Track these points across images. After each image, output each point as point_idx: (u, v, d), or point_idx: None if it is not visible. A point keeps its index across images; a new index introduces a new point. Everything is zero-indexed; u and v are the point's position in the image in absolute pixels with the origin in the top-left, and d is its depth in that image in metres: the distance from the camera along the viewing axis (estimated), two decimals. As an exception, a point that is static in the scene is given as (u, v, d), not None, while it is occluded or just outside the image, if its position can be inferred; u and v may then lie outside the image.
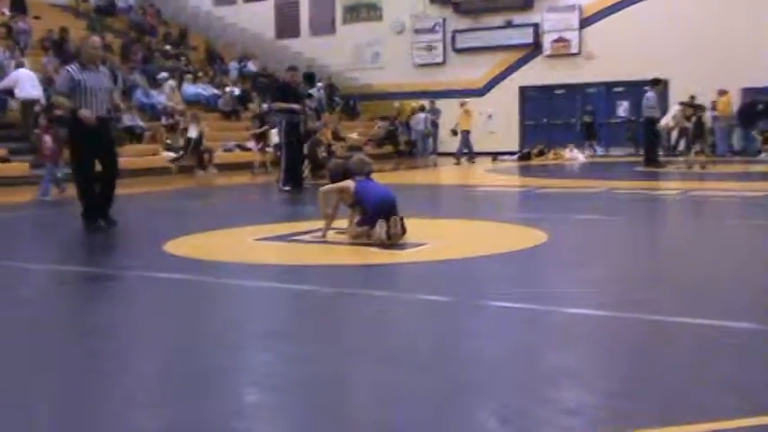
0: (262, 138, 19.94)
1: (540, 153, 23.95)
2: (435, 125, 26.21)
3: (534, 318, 4.36)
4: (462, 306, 4.63)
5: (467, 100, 24.29)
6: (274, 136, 20.55)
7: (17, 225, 9.74)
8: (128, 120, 19.63)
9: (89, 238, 8.04)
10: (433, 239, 7.11)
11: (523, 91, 27.63)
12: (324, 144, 16.95)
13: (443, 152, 26.80)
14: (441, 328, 4.18)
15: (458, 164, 22.37)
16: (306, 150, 15.74)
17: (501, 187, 14.18)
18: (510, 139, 27.20)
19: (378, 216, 6.84)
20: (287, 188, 13.34)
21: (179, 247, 7.01)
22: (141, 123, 20.07)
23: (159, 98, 21.72)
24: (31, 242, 8.21)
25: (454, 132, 24.31)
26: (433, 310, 4.60)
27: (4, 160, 16.36)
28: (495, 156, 23.95)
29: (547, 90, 27.11)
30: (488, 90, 27.96)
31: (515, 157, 23.96)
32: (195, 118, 19.47)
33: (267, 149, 19.64)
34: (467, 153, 23.23)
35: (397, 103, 28.98)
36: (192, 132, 19.05)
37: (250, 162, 20.96)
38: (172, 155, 19.56)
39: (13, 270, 6.15)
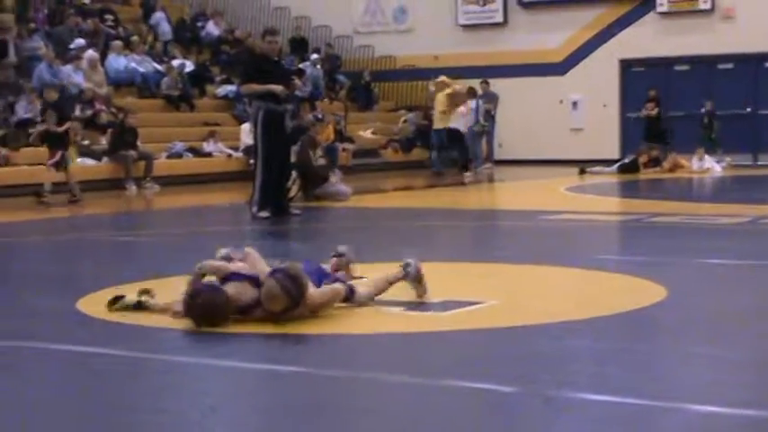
0: (56, 143, 17.04)
1: (653, 162, 23.91)
2: (491, 118, 26.27)
3: (643, 419, 4.31)
4: (532, 400, 4.60)
5: (443, 79, 23.40)
6: (246, 135, 20.73)
7: None
8: (23, 110, 19.78)
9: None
10: (488, 296, 7.09)
11: (626, 67, 27.63)
12: (320, 147, 16.99)
13: (504, 159, 26.80)
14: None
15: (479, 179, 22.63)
16: (294, 157, 15.79)
17: (593, 215, 14.14)
18: (605, 141, 27.19)
19: None
20: (264, 215, 13.36)
21: (99, 304, 7.01)
22: (44, 115, 20.22)
23: (74, 77, 21.89)
24: None
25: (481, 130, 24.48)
26: (486, 406, 4.56)
27: None
28: (582, 166, 23.96)
29: (662, 65, 27.09)
30: (572, 65, 28.01)
31: (615, 168, 23.94)
32: (473, 94, 20.98)
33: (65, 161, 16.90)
34: (453, 163, 23.23)
35: (432, 85, 29.06)
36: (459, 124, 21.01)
37: (207, 174, 21.05)
38: (89, 162, 19.68)
39: None
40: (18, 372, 5.42)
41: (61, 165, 16.71)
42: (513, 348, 5.72)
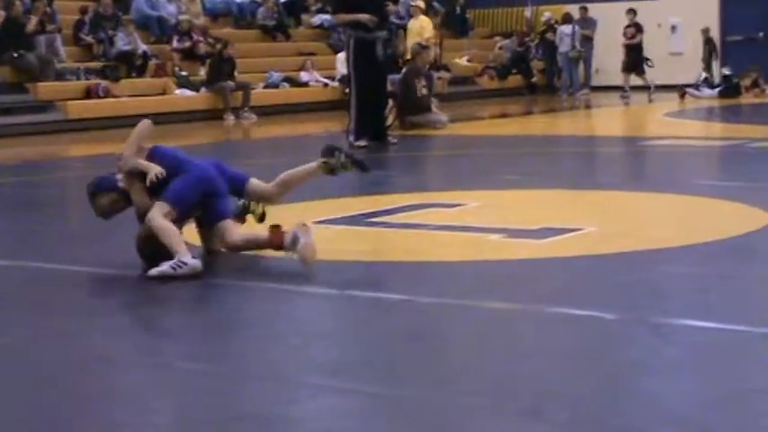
0: None
1: (754, 85, 23.45)
2: (589, 43, 25.89)
3: (746, 346, 4.29)
4: (635, 327, 4.58)
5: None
6: (341, 64, 20.72)
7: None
8: (122, 42, 20.01)
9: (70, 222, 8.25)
10: (587, 223, 7.06)
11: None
12: (422, 75, 16.81)
13: (601, 86, 26.44)
14: (601, 363, 4.13)
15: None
16: (395, 85, 15.74)
17: (693, 140, 13.95)
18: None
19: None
20: (361, 143, 13.37)
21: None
22: (143, 47, 20.45)
23: (169, 8, 22.05)
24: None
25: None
26: (589, 333, 4.57)
27: None
28: (682, 90, 23.57)
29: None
30: (670, -13, 27.44)
31: (715, 91, 23.50)
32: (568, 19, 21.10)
33: None
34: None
35: (528, 11, 28.72)
36: None
37: (303, 104, 21.14)
38: (188, 93, 19.88)
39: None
40: (136, 295, 5.57)
41: None
42: (614, 275, 5.69)
